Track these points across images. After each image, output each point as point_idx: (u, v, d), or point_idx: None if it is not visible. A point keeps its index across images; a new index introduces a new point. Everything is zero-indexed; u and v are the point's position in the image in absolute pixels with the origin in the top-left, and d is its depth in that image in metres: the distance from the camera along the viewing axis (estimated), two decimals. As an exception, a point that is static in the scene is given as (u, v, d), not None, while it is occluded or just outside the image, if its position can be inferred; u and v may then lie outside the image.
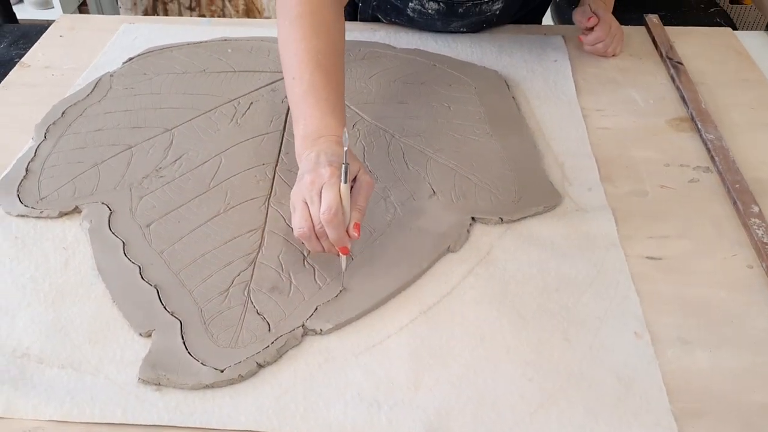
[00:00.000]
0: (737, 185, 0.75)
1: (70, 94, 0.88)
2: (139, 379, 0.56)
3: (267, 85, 0.90)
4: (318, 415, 0.54)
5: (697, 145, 0.83)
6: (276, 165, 0.77)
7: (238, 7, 2.04)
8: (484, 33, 1.05)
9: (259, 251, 0.67)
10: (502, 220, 0.71)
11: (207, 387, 0.55)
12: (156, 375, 0.55)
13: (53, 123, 0.82)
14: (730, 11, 1.84)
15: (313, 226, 0.60)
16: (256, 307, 0.61)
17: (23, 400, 0.54)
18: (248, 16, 2.04)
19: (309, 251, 0.66)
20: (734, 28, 1.30)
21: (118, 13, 2.05)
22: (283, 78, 0.91)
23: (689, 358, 0.59)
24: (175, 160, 0.77)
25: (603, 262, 0.67)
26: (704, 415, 0.55)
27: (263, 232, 0.69)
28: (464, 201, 0.73)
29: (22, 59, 0.97)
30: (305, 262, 0.66)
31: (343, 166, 0.60)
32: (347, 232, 0.61)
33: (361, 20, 1.07)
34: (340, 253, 0.62)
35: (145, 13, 2.03)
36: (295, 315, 0.61)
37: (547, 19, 1.30)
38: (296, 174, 0.75)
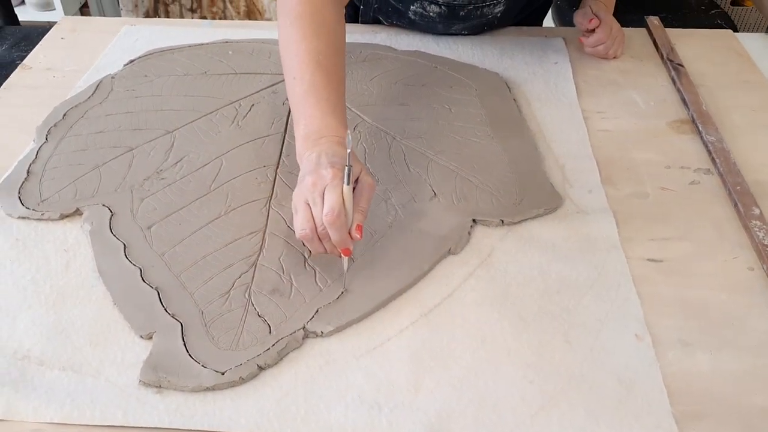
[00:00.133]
0: (738, 187, 0.75)
1: (72, 96, 0.88)
2: (139, 381, 0.56)
3: (268, 87, 0.90)
4: (319, 418, 0.54)
5: (698, 147, 0.83)
6: (277, 167, 0.77)
7: (239, 9, 2.04)
8: (485, 35, 1.05)
9: (260, 253, 0.67)
10: (503, 222, 0.71)
11: (208, 389, 0.55)
12: (157, 377, 0.55)
13: (54, 125, 0.82)
14: (731, 13, 1.84)
15: (316, 228, 0.60)
16: (257, 310, 0.61)
17: (24, 403, 0.54)
18: (249, 18, 2.04)
19: (310, 253, 0.66)
20: (735, 30, 1.30)
21: (120, 15, 2.06)
22: (284, 80, 0.91)
23: (690, 361, 0.59)
24: (176, 162, 0.77)
25: (604, 264, 0.67)
26: (705, 417, 0.55)
27: (264, 234, 0.69)
28: (465, 203, 0.73)
29: (24, 61, 0.98)
30: (306, 265, 0.66)
31: (346, 168, 0.60)
32: (349, 233, 0.61)
33: (362, 22, 1.07)
34: (342, 255, 0.62)
35: (147, 15, 2.03)
36: (295, 317, 0.61)
37: (548, 21, 1.31)
38: (297, 176, 0.75)
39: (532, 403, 0.55)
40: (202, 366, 0.56)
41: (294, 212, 0.63)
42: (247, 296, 0.62)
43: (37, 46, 1.01)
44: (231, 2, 2.02)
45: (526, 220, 0.72)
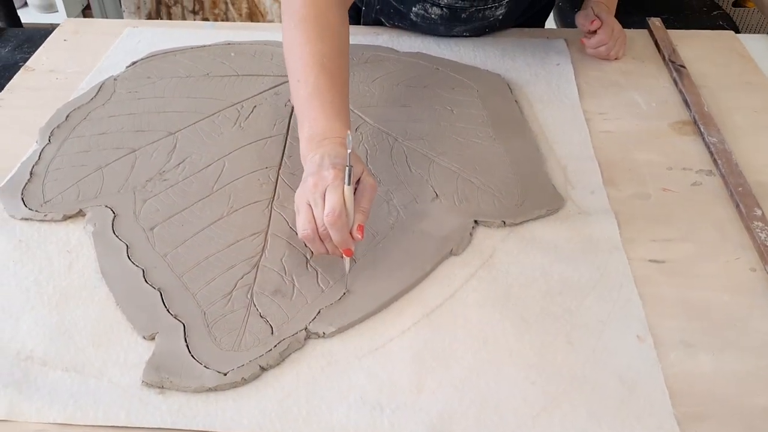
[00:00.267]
0: (740, 188, 0.75)
1: (74, 98, 0.89)
2: (142, 382, 0.56)
3: (270, 88, 0.90)
4: (321, 419, 0.54)
5: (700, 149, 0.83)
6: (279, 168, 0.77)
7: (241, 11, 2.04)
8: (486, 37, 1.05)
9: (262, 254, 0.67)
10: (504, 223, 0.71)
11: (210, 390, 0.55)
12: (159, 378, 0.56)
13: (57, 126, 0.83)
14: (732, 14, 1.84)
15: (317, 228, 0.61)
16: (259, 311, 0.61)
17: (27, 403, 0.54)
18: (251, 20, 2.04)
19: (312, 254, 0.66)
20: (737, 32, 1.30)
21: (122, 17, 2.06)
22: (286, 81, 0.91)
23: (692, 362, 0.59)
24: (179, 164, 0.77)
25: (606, 265, 0.67)
26: (707, 418, 0.55)
27: (266, 235, 0.69)
28: (467, 204, 0.73)
29: (27, 63, 0.98)
30: (308, 266, 0.66)
31: (347, 168, 0.60)
32: (351, 234, 0.61)
33: (364, 24, 1.08)
34: (344, 255, 0.62)
35: (149, 17, 2.04)
36: (298, 318, 0.61)
37: (550, 22, 1.31)
38: (299, 177, 0.75)
39: (534, 404, 0.55)
40: (205, 367, 0.56)
41: (296, 213, 0.63)
42: (249, 297, 0.63)
43: (40, 48, 1.01)
44: (233, 4, 2.03)
45: (527, 221, 0.72)
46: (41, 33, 1.06)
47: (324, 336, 0.60)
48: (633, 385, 0.57)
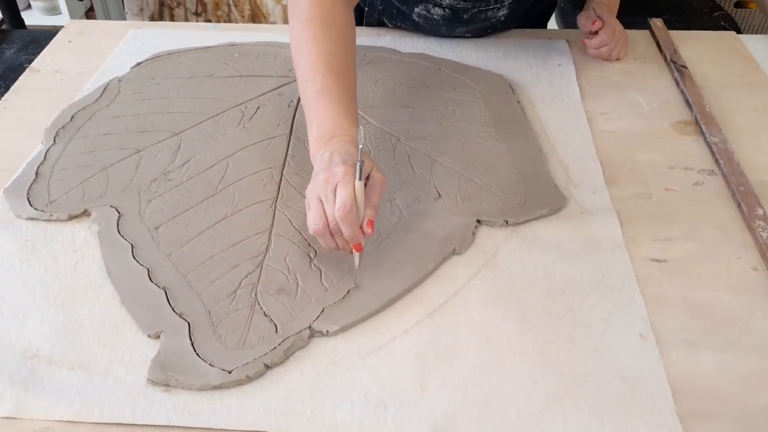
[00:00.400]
0: (742, 188, 0.76)
1: (79, 99, 0.89)
2: (147, 380, 0.56)
3: (274, 89, 0.91)
4: (325, 416, 0.54)
5: (702, 149, 0.84)
6: (283, 168, 0.78)
7: (244, 13, 2.05)
8: (489, 37, 1.05)
9: (266, 254, 0.67)
10: (507, 222, 0.71)
11: (215, 388, 0.56)
12: (164, 376, 0.56)
13: (62, 127, 0.83)
14: (734, 15, 1.84)
15: (328, 224, 0.61)
16: (264, 309, 0.62)
17: (33, 401, 0.55)
18: (254, 22, 2.05)
19: (316, 253, 0.67)
20: (738, 32, 1.30)
21: (125, 19, 2.07)
22: (290, 82, 0.92)
23: (694, 360, 0.59)
24: (183, 164, 0.78)
25: (608, 264, 0.68)
26: (709, 417, 0.55)
27: (270, 234, 0.69)
28: (469, 204, 0.73)
29: (32, 64, 0.98)
30: (312, 265, 0.66)
31: (358, 163, 0.61)
32: (361, 228, 0.62)
33: (367, 25, 1.08)
34: (354, 250, 0.63)
35: (152, 19, 2.05)
36: (301, 317, 0.61)
37: (552, 23, 1.31)
38: (303, 177, 0.76)
39: (536, 403, 0.56)
40: (210, 365, 0.57)
41: (307, 209, 0.64)
42: (253, 296, 0.63)
43: (45, 50, 1.02)
44: (236, 6, 2.03)
45: (530, 220, 0.72)
46: (46, 34, 1.07)
47: (328, 334, 0.60)
48: (635, 384, 0.57)
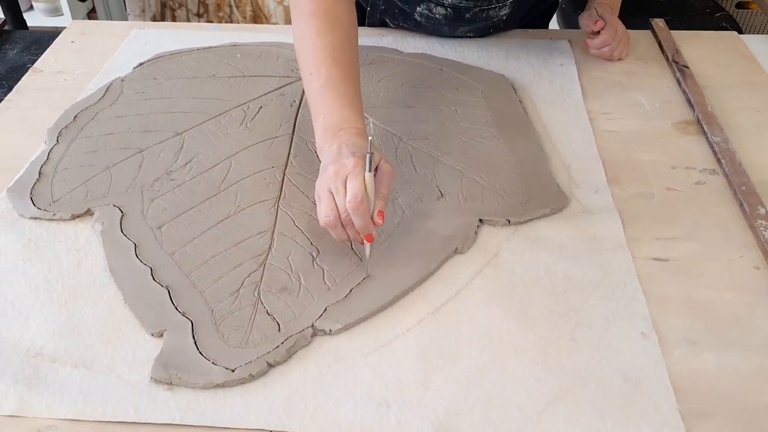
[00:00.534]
0: (744, 187, 0.76)
1: (82, 99, 0.89)
2: (151, 378, 0.56)
3: (276, 89, 0.91)
4: (327, 415, 0.55)
5: (704, 148, 0.84)
6: (285, 168, 0.78)
7: (246, 14, 2.05)
8: (490, 37, 1.05)
9: (268, 253, 0.67)
10: (509, 222, 0.72)
11: (218, 386, 0.56)
12: (168, 374, 0.56)
13: (65, 127, 0.84)
14: (735, 15, 1.84)
15: (339, 215, 0.62)
16: (266, 308, 0.62)
17: (37, 399, 0.55)
18: (255, 22, 2.05)
19: (318, 252, 0.67)
20: (740, 33, 1.30)
21: (127, 20, 2.07)
22: (292, 82, 0.92)
23: (696, 359, 0.59)
24: (186, 164, 0.78)
25: (610, 263, 0.68)
26: (711, 415, 0.55)
27: (273, 234, 0.69)
28: (472, 203, 0.73)
29: (35, 64, 0.99)
30: (314, 264, 0.66)
31: (368, 155, 0.61)
32: (372, 219, 0.62)
33: (369, 25, 1.08)
34: (365, 241, 0.63)
35: (153, 20, 2.05)
36: (304, 315, 0.61)
37: (553, 24, 1.31)
38: (305, 177, 0.76)
39: (538, 401, 0.56)
40: (213, 363, 0.57)
41: (317, 201, 0.64)
42: (256, 295, 0.63)
43: (48, 50, 1.02)
44: (237, 7, 2.04)
45: (532, 219, 0.72)
46: (49, 35, 1.07)
47: (330, 333, 0.60)
48: (637, 382, 0.57)
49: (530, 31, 1.08)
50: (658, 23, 1.09)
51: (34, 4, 2.23)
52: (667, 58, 1.01)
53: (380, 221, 0.63)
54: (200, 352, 0.58)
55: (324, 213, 0.63)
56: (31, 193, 0.74)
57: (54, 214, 0.71)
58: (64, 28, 1.08)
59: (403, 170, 0.78)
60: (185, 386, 0.56)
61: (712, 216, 0.74)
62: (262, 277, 0.65)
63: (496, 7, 0.97)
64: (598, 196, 0.76)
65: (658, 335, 0.61)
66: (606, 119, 0.89)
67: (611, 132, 0.86)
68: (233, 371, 0.56)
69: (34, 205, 0.72)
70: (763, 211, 0.73)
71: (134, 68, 0.96)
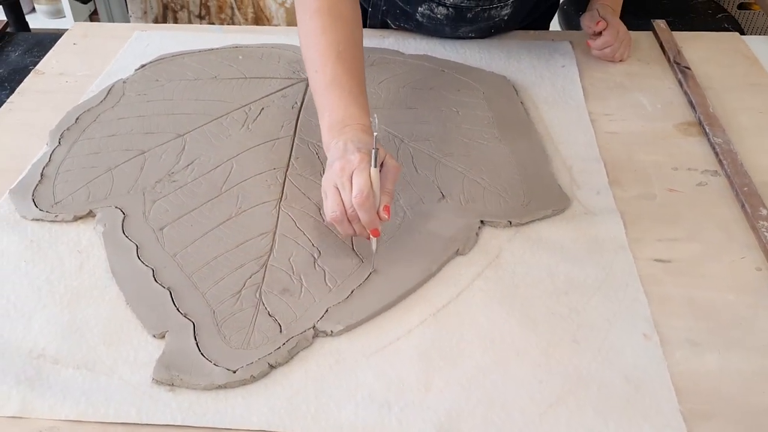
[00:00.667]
0: (745, 188, 0.76)
1: (84, 101, 0.90)
2: (152, 379, 0.56)
3: (278, 91, 0.91)
4: (329, 416, 0.55)
5: (705, 149, 0.84)
6: (287, 169, 0.78)
7: (247, 16, 2.06)
8: (492, 39, 1.05)
9: (270, 254, 0.67)
10: (510, 223, 0.72)
11: (219, 387, 0.56)
12: (169, 375, 0.56)
13: (67, 129, 0.84)
14: (737, 16, 1.84)
15: (346, 211, 0.62)
16: (268, 309, 0.62)
17: (39, 400, 0.55)
18: (257, 24, 2.05)
19: (320, 254, 0.67)
20: (742, 34, 1.30)
21: (129, 22, 2.07)
22: (293, 84, 0.92)
23: (698, 360, 0.59)
24: (188, 165, 0.78)
25: (612, 264, 0.68)
26: (713, 416, 0.55)
27: (274, 235, 0.70)
28: (473, 204, 0.73)
29: (37, 66, 0.99)
30: (316, 265, 0.66)
31: (373, 151, 0.62)
32: (378, 214, 0.62)
33: (371, 26, 1.08)
34: (371, 236, 0.63)
35: (155, 22, 2.05)
36: (306, 317, 0.61)
37: (555, 25, 1.31)
38: (306, 178, 0.76)
39: (540, 403, 0.56)
40: (214, 364, 0.57)
41: (323, 197, 0.65)
42: (257, 296, 0.63)
43: (50, 52, 1.02)
44: (239, 9, 2.04)
45: (533, 221, 0.72)
46: (51, 37, 1.07)
47: (332, 334, 0.60)
48: (639, 384, 0.57)
49: (532, 32, 1.08)
50: (660, 24, 1.09)
51: (36, 6, 2.23)
52: (668, 59, 1.01)
53: (386, 216, 0.63)
54: (202, 354, 0.58)
55: (330, 208, 0.63)
56: (33, 195, 0.74)
57: (56, 216, 0.71)
58: (66, 30, 1.09)
59: (404, 172, 0.78)
60: (187, 387, 0.56)
61: (713, 217, 0.74)
62: (263, 278, 0.65)
63: (497, 6, 0.97)
64: (600, 197, 0.76)
65: (660, 336, 0.61)
66: (608, 120, 0.89)
67: (613, 133, 0.86)
68: (235, 372, 0.56)
69: (37, 207, 0.72)
70: (765, 212, 0.72)
71: (136, 70, 0.96)
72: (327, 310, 0.62)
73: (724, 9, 1.55)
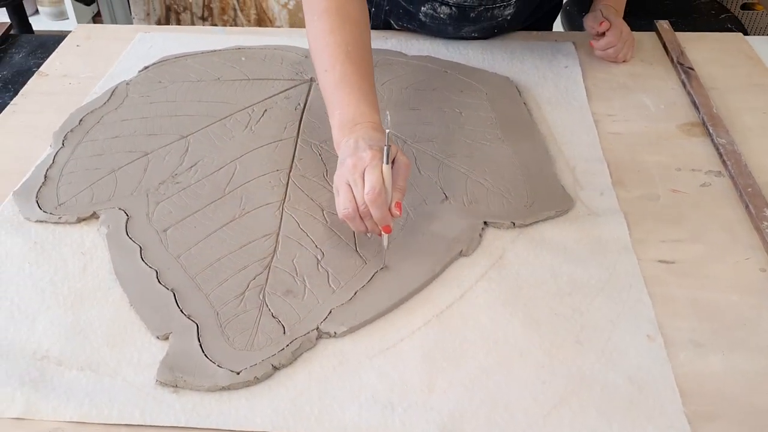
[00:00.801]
0: (749, 189, 0.75)
1: (87, 102, 0.90)
2: (156, 381, 0.56)
3: (281, 92, 0.91)
4: (333, 417, 0.55)
5: (709, 150, 0.84)
6: (290, 171, 0.78)
7: (250, 17, 2.06)
8: (495, 39, 1.05)
9: (273, 255, 0.67)
10: (514, 224, 0.72)
11: (223, 389, 0.56)
12: (173, 377, 0.56)
13: (71, 130, 0.84)
14: (741, 17, 1.84)
15: (358, 207, 0.63)
16: (271, 311, 0.62)
17: (43, 402, 0.55)
18: (259, 26, 2.06)
19: (323, 255, 0.67)
20: (745, 34, 1.30)
21: (132, 24, 2.08)
22: (296, 85, 0.92)
23: (702, 361, 0.59)
24: (191, 167, 0.78)
25: (615, 265, 0.68)
26: (717, 417, 0.55)
27: (278, 236, 0.70)
28: (476, 205, 0.73)
29: (40, 68, 0.99)
30: (319, 266, 0.66)
31: (385, 147, 0.62)
32: (389, 210, 0.63)
33: (374, 26, 1.08)
34: (383, 232, 0.64)
35: (158, 23, 2.06)
36: (309, 318, 0.61)
37: (558, 26, 1.31)
38: (310, 179, 0.76)
39: (544, 404, 0.56)
40: (218, 366, 0.57)
41: (335, 194, 0.65)
42: (261, 297, 0.63)
43: (53, 54, 1.03)
44: (242, 10, 2.04)
45: (537, 222, 0.72)
46: (54, 39, 1.08)
47: (335, 336, 0.60)
48: (643, 385, 0.57)
49: (535, 33, 1.08)
50: (663, 25, 1.09)
51: (39, 8, 2.24)
52: (671, 60, 1.01)
53: (398, 212, 0.64)
54: (205, 355, 0.58)
55: (342, 205, 0.63)
56: (36, 197, 0.74)
57: (60, 218, 0.72)
58: (70, 32, 1.09)
59: (407, 173, 0.78)
60: (191, 389, 0.56)
61: (717, 218, 0.74)
62: (267, 279, 0.65)
63: (500, 6, 0.97)
64: (603, 198, 0.76)
65: (664, 337, 0.61)
66: (611, 121, 0.89)
67: (616, 134, 0.86)
68: (238, 374, 0.56)
69: (40, 209, 0.73)
70: (769, 212, 0.72)
71: (139, 72, 0.96)
72: (330, 312, 0.62)
73: (728, 9, 1.54)
